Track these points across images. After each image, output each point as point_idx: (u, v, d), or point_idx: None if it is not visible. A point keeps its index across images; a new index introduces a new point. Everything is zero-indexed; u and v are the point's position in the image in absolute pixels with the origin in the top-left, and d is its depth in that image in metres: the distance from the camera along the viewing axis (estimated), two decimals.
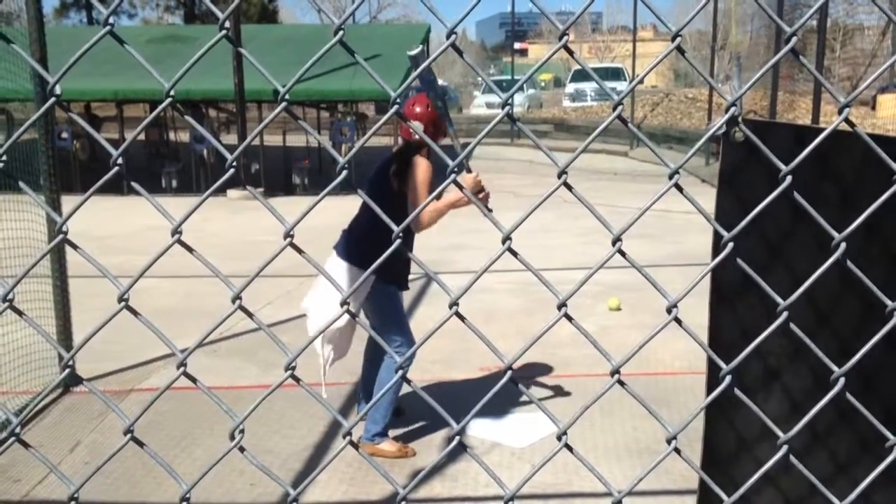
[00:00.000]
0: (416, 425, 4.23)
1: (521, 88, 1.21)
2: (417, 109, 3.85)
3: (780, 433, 1.08)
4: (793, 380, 1.53)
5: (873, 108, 16.97)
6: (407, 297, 4.21)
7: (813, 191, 1.40)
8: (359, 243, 3.86)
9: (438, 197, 3.97)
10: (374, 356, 4.15)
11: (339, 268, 3.85)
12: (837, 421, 1.42)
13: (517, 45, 46.99)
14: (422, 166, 3.79)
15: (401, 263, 3.94)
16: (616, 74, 27.76)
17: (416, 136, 3.83)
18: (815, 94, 9.90)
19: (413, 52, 3.15)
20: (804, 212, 1.06)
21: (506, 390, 1.20)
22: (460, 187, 1.14)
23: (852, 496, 1.18)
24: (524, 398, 4.49)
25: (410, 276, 4.10)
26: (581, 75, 29.06)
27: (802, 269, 1.46)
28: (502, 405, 4.45)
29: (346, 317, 1.13)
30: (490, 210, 4.07)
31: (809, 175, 1.48)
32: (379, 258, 1.15)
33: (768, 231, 1.47)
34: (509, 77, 27.26)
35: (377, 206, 1.11)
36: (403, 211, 3.74)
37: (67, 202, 4.13)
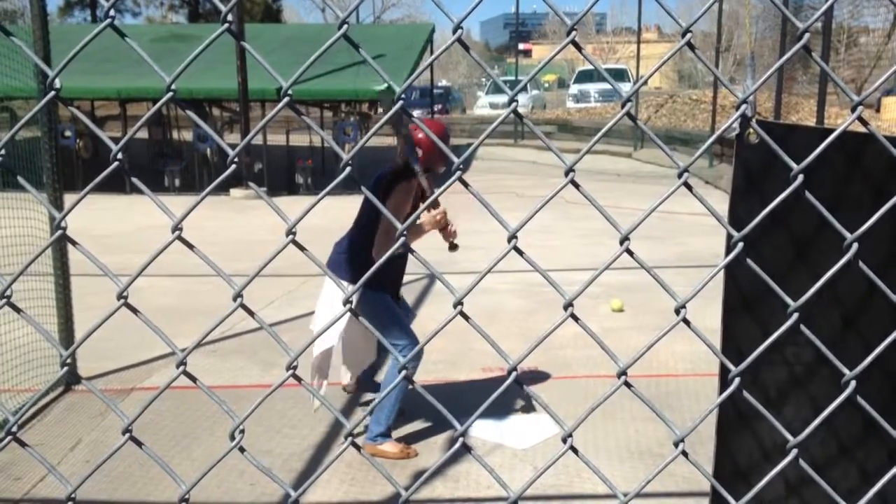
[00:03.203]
0: (418, 426, 4.22)
1: (524, 88, 1.20)
2: (420, 136, 3.84)
3: (789, 437, 1.06)
4: (818, 388, 1.51)
5: (878, 110, 16.92)
6: (408, 298, 4.21)
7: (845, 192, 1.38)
8: (343, 257, 3.85)
9: (432, 205, 3.90)
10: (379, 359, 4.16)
11: (332, 283, 3.85)
12: (864, 431, 1.39)
13: (521, 46, 46.91)
14: (403, 188, 3.77)
15: (393, 271, 3.92)
16: (620, 76, 27.75)
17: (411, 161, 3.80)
18: (820, 95, 9.86)
19: (381, 88, 3.07)
20: (830, 212, 1.04)
21: (508, 391, 1.19)
22: (465, 184, 1.13)
23: None
24: (526, 399, 4.48)
25: (410, 277, 4.08)
26: (585, 76, 29.04)
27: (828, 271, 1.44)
28: (504, 406, 4.43)
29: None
30: (456, 247, 4.08)
31: (841, 176, 1.45)
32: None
33: (795, 233, 1.44)
34: (513, 77, 27.22)
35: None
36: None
37: (70, 201, 4.11)
